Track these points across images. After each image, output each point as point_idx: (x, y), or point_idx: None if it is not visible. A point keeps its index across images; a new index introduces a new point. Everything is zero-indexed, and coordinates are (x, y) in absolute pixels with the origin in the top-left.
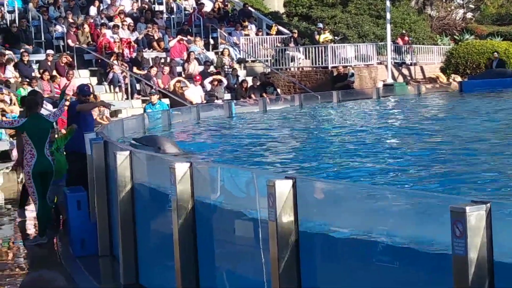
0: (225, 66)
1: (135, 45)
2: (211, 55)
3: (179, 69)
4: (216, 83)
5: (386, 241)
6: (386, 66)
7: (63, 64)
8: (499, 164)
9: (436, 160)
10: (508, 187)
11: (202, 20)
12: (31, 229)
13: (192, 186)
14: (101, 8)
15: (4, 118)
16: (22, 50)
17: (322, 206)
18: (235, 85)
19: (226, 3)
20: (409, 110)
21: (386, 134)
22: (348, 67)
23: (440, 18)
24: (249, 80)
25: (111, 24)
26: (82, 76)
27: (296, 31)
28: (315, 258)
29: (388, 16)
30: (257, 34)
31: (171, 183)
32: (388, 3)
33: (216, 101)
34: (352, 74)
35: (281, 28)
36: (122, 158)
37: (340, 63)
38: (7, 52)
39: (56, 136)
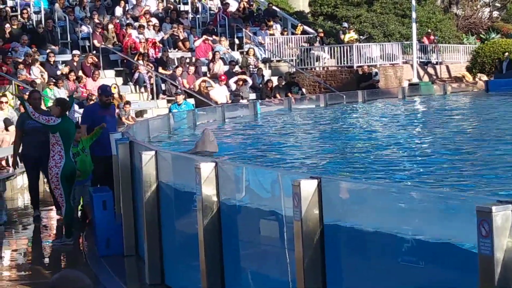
0: (250, 66)
1: (161, 45)
2: (236, 55)
3: (204, 69)
4: (241, 83)
5: (412, 241)
6: (412, 66)
7: (88, 65)
8: None
9: (462, 160)
10: None
11: (227, 20)
12: (57, 230)
13: (218, 186)
14: (127, 8)
15: None
16: (48, 50)
17: (347, 206)
18: (260, 85)
19: (251, 3)
20: (435, 109)
21: (411, 133)
22: (372, 67)
23: (466, 17)
24: (274, 80)
25: (136, 24)
26: (107, 77)
27: (321, 30)
28: (340, 258)
29: (414, 15)
30: (282, 34)
31: (196, 183)
32: (413, 2)
33: (241, 101)
34: (376, 73)
35: (306, 27)
36: (147, 158)
37: (365, 62)
38: (33, 52)
39: (81, 136)
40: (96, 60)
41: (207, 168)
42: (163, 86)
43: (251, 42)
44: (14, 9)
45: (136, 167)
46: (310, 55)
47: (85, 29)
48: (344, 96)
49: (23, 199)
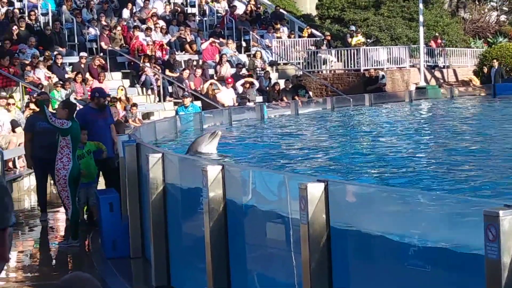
0: (257, 69)
1: (168, 48)
2: (243, 57)
3: (211, 71)
4: (248, 85)
5: (419, 244)
6: (419, 69)
7: (95, 67)
8: None
9: (469, 163)
10: None
11: (234, 22)
12: (63, 231)
13: (224, 188)
14: (134, 10)
15: None
16: (55, 52)
17: (354, 209)
18: (267, 88)
19: (259, 6)
20: (442, 113)
21: (418, 137)
22: (378, 70)
23: (473, 20)
24: (281, 82)
25: (143, 26)
26: (114, 79)
27: (328, 33)
28: (347, 261)
29: (421, 18)
30: (289, 37)
31: (203, 185)
32: (421, 6)
33: (248, 103)
34: (383, 77)
35: (313, 30)
36: (154, 160)
37: (372, 66)
38: (47, 56)
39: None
40: (103, 62)
41: (214, 171)
42: (170, 89)
43: (258, 45)
44: (21, 10)
45: (142, 169)
46: (317, 58)
47: (92, 31)
48: (351, 99)
49: (30, 201)
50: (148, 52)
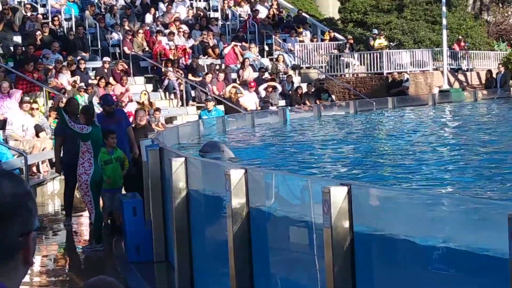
0: (280, 73)
1: (190, 52)
2: (266, 61)
3: (233, 75)
4: (270, 89)
5: (442, 248)
6: (442, 72)
7: (119, 71)
8: None
9: (494, 167)
10: None
11: (257, 26)
12: (87, 236)
13: (247, 192)
14: (157, 15)
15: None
16: (79, 57)
17: (377, 213)
18: (290, 92)
19: (281, 10)
20: (466, 116)
21: (442, 140)
22: (403, 73)
23: (496, 23)
24: (304, 86)
25: (166, 31)
26: (137, 83)
27: (350, 37)
28: (370, 266)
29: (444, 21)
30: (311, 41)
31: (226, 189)
32: (444, 9)
33: (270, 107)
34: (407, 80)
35: (336, 34)
36: (177, 164)
37: (395, 69)
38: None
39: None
40: (126, 67)
41: (236, 175)
42: (192, 93)
43: (280, 49)
44: (45, 16)
45: (166, 174)
46: (340, 62)
47: (116, 36)
48: (374, 103)
49: (54, 205)
50: (171, 57)
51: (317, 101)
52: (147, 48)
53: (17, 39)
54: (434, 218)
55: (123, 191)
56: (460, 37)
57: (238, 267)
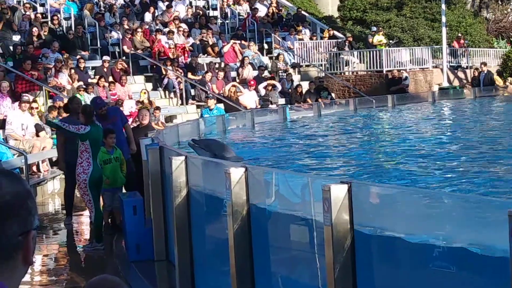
0: (280, 71)
1: (190, 49)
2: (265, 59)
3: (233, 74)
4: (270, 88)
5: (443, 246)
6: (442, 70)
7: (118, 70)
8: None
9: (494, 164)
10: None
11: (256, 25)
12: (88, 235)
13: (247, 191)
14: (156, 14)
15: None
16: (78, 56)
17: (378, 211)
18: (290, 90)
19: (280, 8)
20: (466, 113)
21: (442, 138)
22: (402, 71)
23: (496, 20)
24: (304, 84)
25: (166, 30)
26: (137, 82)
27: (350, 35)
28: (371, 263)
29: (444, 19)
30: (311, 39)
31: (226, 188)
32: (443, 6)
33: (270, 106)
34: (406, 78)
35: (335, 32)
36: (177, 163)
37: (395, 67)
38: (65, 58)
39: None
40: (126, 66)
41: (237, 173)
42: (192, 92)
43: (280, 47)
44: (44, 15)
45: (166, 172)
46: (340, 60)
47: (115, 35)
48: (374, 101)
49: (54, 204)
50: (170, 55)
51: (317, 99)
52: (146, 47)
53: (17, 38)
54: (434, 216)
55: (124, 190)
56: (459, 34)
57: (238, 265)
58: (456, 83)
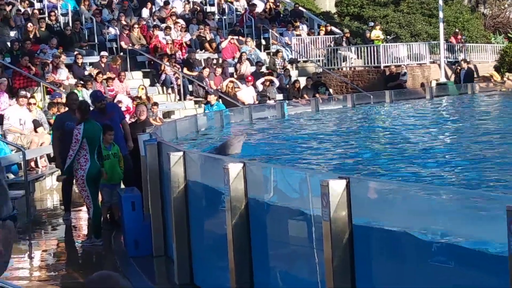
0: (277, 66)
1: (188, 44)
2: (263, 55)
3: (231, 69)
4: (268, 83)
5: (441, 241)
6: (439, 65)
7: (115, 66)
8: None
9: (491, 160)
10: None
11: (253, 20)
12: (86, 230)
13: (246, 186)
14: (154, 10)
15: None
16: (76, 52)
17: (376, 206)
18: (287, 86)
19: (278, 4)
20: (463, 109)
21: (440, 133)
22: (401, 66)
23: (493, 16)
24: (301, 80)
25: (163, 25)
26: (135, 78)
27: (347, 30)
28: (369, 258)
29: (441, 14)
30: (308, 34)
31: (224, 183)
32: (440, 2)
33: (268, 101)
34: (405, 73)
35: (333, 28)
36: (175, 158)
37: (392, 62)
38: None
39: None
40: (119, 61)
41: (235, 169)
42: (190, 87)
43: (277, 43)
44: (41, 11)
45: (164, 168)
46: (337, 56)
47: (112, 31)
48: (372, 96)
49: (52, 200)
50: (168, 51)
51: (315, 95)
52: (144, 43)
53: (14, 34)
54: (432, 211)
55: (122, 186)
56: (457, 30)
57: (237, 261)
58: (453, 78)
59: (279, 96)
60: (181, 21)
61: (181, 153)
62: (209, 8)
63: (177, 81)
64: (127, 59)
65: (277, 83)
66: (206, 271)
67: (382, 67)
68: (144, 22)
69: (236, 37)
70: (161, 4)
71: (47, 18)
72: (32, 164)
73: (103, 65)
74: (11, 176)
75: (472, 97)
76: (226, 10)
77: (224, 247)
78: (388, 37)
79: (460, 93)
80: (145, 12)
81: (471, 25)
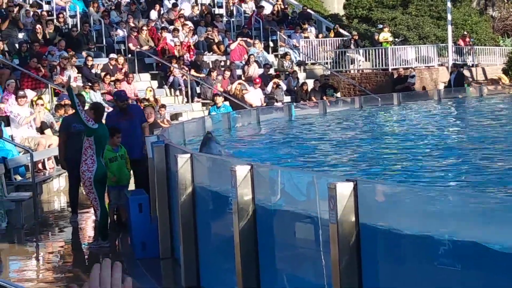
0: (285, 68)
1: (194, 48)
2: (271, 57)
3: (239, 72)
4: (275, 85)
5: (448, 243)
6: (447, 68)
7: (121, 66)
8: None
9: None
10: None
11: (261, 23)
12: (93, 232)
13: (253, 188)
14: (162, 12)
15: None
16: (85, 54)
17: (383, 209)
18: (295, 88)
19: (286, 6)
20: (472, 112)
21: (447, 136)
22: (410, 69)
23: (502, 18)
24: (309, 82)
25: (171, 27)
26: (143, 80)
27: (355, 33)
28: (376, 261)
29: (449, 17)
30: (317, 37)
31: (232, 185)
32: (449, 4)
33: (275, 104)
34: (413, 76)
35: (341, 30)
36: (183, 161)
37: (400, 65)
38: (70, 56)
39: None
40: (122, 62)
41: (242, 171)
42: (197, 89)
43: (285, 45)
44: (50, 13)
45: (171, 170)
46: (345, 58)
47: (121, 32)
48: (379, 99)
49: (60, 202)
50: (176, 53)
51: (323, 97)
52: (152, 45)
53: (22, 36)
54: (439, 213)
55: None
56: (465, 32)
57: (244, 263)
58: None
59: (287, 99)
60: (189, 23)
61: (188, 155)
62: (217, 10)
63: (185, 83)
64: (135, 61)
65: (284, 86)
66: (213, 273)
67: (390, 70)
68: (153, 24)
69: (244, 39)
70: (170, 6)
71: (55, 20)
72: (40, 165)
73: (111, 67)
74: (19, 177)
75: (480, 100)
76: (234, 12)
77: (231, 249)
78: (396, 39)
79: (468, 96)
80: (153, 14)
81: (480, 27)
